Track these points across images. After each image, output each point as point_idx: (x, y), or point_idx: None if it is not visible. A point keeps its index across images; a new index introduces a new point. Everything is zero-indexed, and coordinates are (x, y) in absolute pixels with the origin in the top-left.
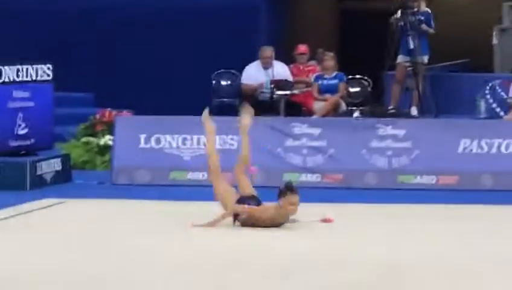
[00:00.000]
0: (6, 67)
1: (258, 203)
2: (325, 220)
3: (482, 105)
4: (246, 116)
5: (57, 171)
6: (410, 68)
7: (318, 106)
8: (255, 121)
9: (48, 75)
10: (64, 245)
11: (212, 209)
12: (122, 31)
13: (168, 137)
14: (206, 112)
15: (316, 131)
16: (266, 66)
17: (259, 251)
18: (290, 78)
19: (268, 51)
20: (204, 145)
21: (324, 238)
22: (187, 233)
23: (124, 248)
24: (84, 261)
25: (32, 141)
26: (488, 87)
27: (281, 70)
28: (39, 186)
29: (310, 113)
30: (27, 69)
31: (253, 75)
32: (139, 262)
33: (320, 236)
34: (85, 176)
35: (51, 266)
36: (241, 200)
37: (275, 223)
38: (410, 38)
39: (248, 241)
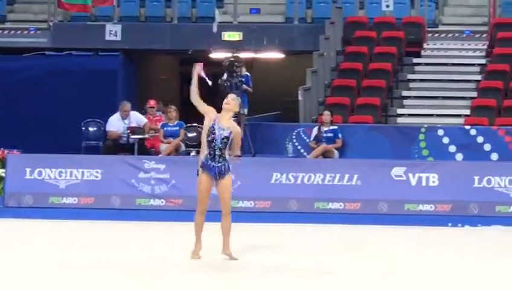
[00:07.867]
0: None
1: None
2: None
3: (290, 147)
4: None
5: None
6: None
7: (163, 147)
8: (115, 158)
9: None
10: None
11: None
12: (14, 91)
13: (48, 170)
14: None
15: (162, 166)
16: (124, 116)
17: None
18: (145, 120)
19: (127, 105)
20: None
21: None
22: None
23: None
24: None
25: None
26: (294, 134)
27: (138, 118)
28: None
29: (157, 152)
30: None
31: (115, 123)
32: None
33: None
34: None
35: None
36: None
37: None
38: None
39: None
